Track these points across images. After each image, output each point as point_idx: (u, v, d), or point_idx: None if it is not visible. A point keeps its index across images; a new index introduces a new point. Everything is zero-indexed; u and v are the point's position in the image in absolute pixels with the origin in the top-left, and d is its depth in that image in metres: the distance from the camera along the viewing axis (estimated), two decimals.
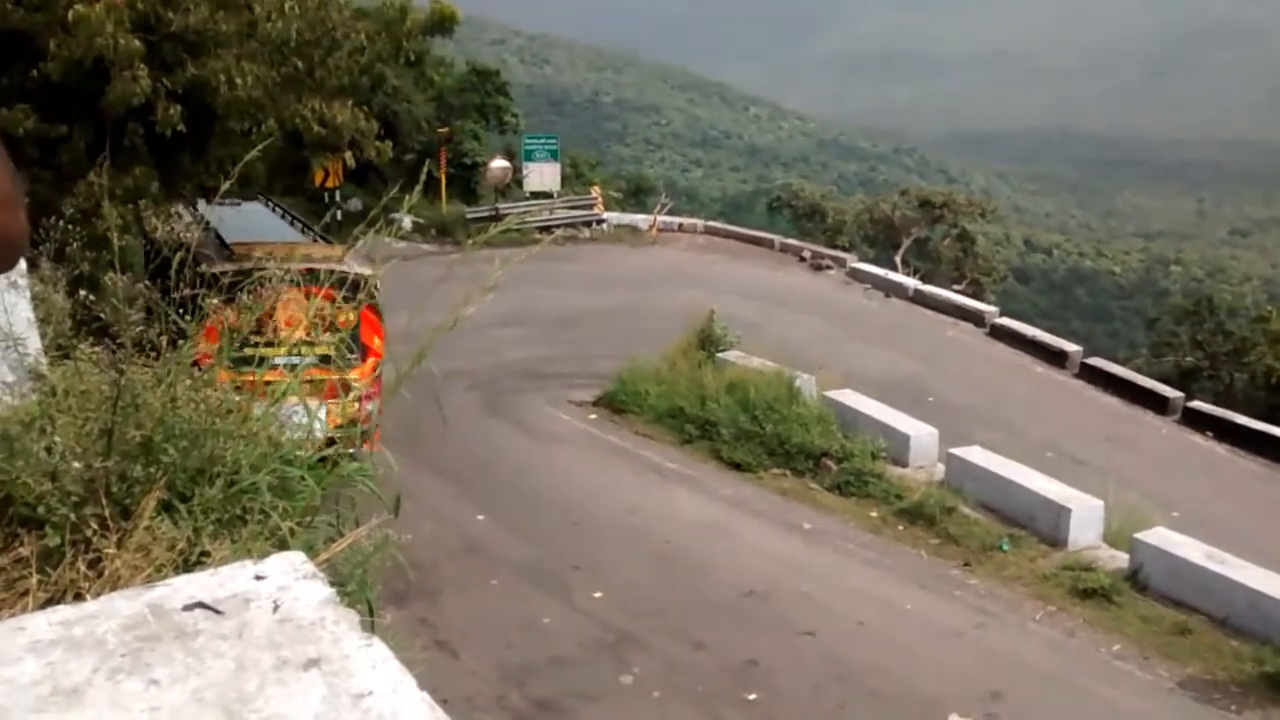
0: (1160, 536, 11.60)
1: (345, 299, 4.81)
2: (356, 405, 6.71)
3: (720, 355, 17.44)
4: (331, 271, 10.90)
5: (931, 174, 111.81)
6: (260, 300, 4.18)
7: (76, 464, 3.09)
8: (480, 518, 12.76)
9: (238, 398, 3.79)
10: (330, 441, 3.95)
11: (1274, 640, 9.90)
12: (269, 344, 4.65)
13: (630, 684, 9.28)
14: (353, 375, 7.19)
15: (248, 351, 4.01)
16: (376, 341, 11.27)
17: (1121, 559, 11.81)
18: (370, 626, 2.97)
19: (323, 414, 4.00)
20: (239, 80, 11.64)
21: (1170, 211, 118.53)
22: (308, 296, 5.11)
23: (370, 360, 11.05)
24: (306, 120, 20.55)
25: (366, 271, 5.29)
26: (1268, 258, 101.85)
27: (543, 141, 32.58)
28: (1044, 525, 12.53)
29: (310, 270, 10.92)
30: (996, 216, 43.10)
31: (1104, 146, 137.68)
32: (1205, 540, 11.55)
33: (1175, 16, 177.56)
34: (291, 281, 4.87)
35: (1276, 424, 20.75)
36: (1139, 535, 11.66)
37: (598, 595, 10.83)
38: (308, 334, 4.81)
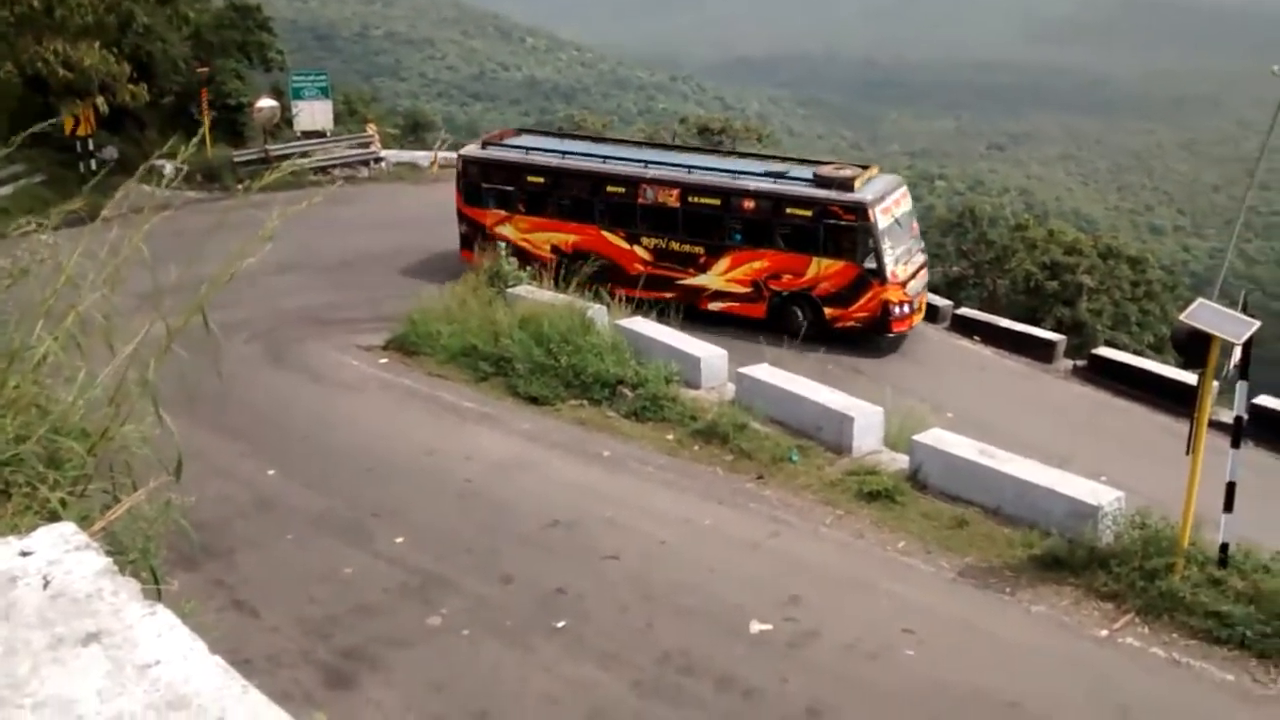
0: (936, 437, 12.34)
1: None
2: None
3: (511, 291, 17.34)
4: None
5: (709, 102, 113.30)
6: None
7: None
8: (271, 473, 12.36)
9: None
10: None
11: (1040, 525, 10.74)
12: None
13: (439, 625, 9.25)
14: None
15: None
16: None
17: (902, 461, 12.52)
18: (156, 594, 2.84)
19: None
20: None
21: (931, 130, 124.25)
22: None
23: None
24: (49, 64, 19.10)
25: None
26: (1022, 170, 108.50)
27: (312, 78, 31.23)
28: (829, 435, 13.13)
29: None
30: (772, 140, 44.17)
31: (868, 69, 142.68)
32: (977, 438, 12.38)
33: None
34: None
35: (1035, 325, 22.38)
36: (917, 437, 12.38)
37: (400, 540, 10.71)
38: None
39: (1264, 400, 16.32)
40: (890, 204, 19.11)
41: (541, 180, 20.80)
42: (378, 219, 24.64)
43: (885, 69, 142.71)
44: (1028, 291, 29.14)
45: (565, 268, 18.11)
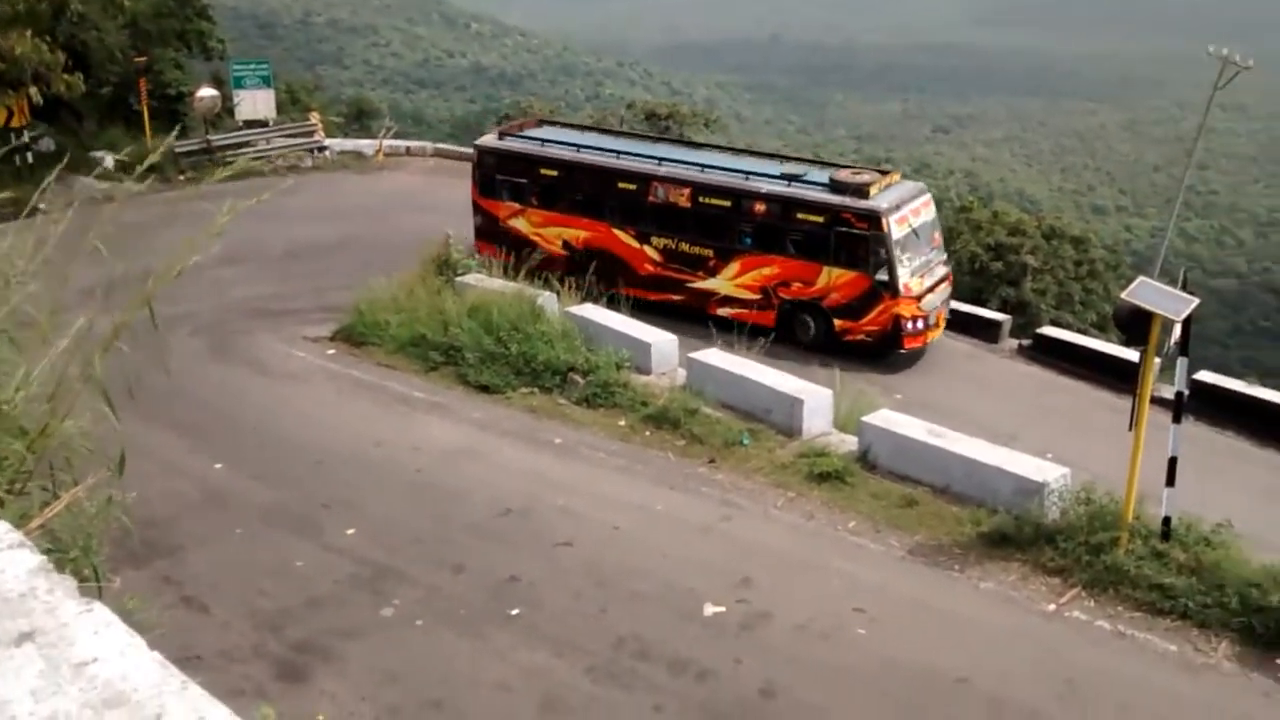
0: (885, 418, 12.47)
1: None
2: None
3: (459, 279, 17.23)
4: None
5: (656, 87, 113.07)
6: None
7: None
8: (218, 467, 12.22)
9: None
10: None
11: (988, 503, 10.89)
12: None
13: (392, 616, 9.21)
14: None
15: None
16: None
17: (851, 442, 12.63)
18: (97, 592, 2.80)
19: None
20: None
21: (877, 114, 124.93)
22: None
23: None
24: None
25: None
26: (967, 152, 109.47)
27: (253, 67, 30.74)
28: (780, 417, 13.21)
29: None
30: (720, 125, 44.23)
31: (813, 53, 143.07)
32: (925, 418, 12.52)
33: None
34: None
35: (981, 306, 22.64)
36: (866, 419, 12.50)
37: (350, 532, 10.63)
38: None
39: (1204, 376, 16.63)
40: (907, 213, 18.08)
41: (554, 174, 20.37)
42: (322, 209, 24.31)
43: (831, 53, 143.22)
44: (973, 272, 29.45)
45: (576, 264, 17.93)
